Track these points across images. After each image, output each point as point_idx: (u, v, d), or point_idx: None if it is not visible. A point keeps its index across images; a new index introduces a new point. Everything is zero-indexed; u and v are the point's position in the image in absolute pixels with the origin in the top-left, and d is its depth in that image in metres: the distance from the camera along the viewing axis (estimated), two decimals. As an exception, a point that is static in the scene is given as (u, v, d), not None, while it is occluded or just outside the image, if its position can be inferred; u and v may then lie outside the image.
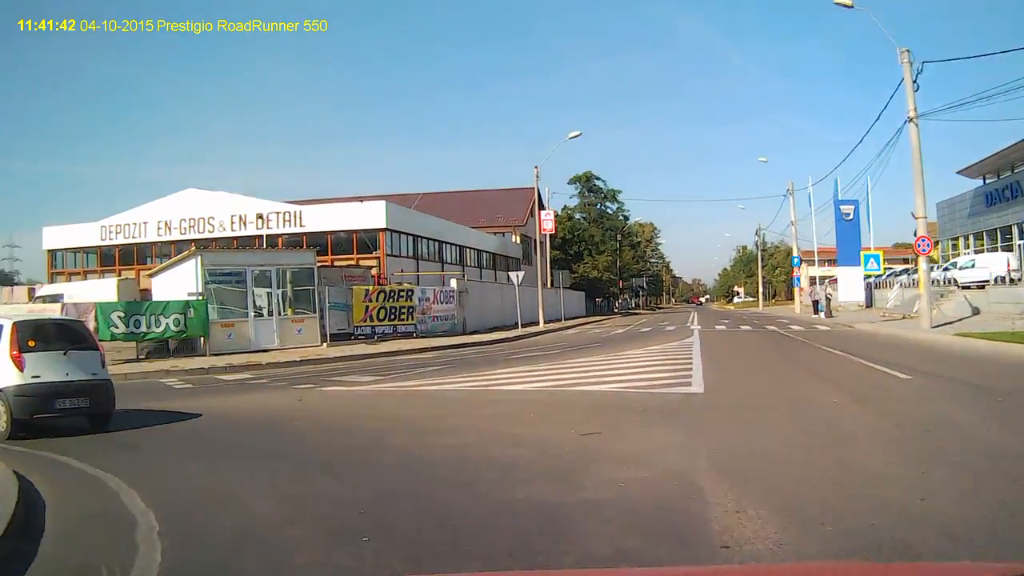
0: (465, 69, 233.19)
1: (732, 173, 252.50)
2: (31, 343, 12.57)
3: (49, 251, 55.27)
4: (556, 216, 68.67)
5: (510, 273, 49.43)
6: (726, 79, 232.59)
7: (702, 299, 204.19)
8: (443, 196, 76.22)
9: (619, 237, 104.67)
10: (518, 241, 74.18)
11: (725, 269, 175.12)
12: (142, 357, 29.74)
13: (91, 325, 26.79)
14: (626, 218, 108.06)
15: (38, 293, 41.97)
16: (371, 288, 37.34)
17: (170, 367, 26.15)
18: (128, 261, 52.40)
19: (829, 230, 61.49)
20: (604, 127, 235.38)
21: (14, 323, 12.77)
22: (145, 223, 51.57)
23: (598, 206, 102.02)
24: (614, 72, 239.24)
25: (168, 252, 47.63)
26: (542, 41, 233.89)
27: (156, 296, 36.29)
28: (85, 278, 50.20)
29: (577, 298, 78.69)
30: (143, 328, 29.20)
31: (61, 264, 55.40)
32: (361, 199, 50.12)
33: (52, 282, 51.35)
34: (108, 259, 53.32)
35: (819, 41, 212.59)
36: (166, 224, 50.88)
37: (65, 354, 12.86)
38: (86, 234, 53.56)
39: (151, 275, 40.49)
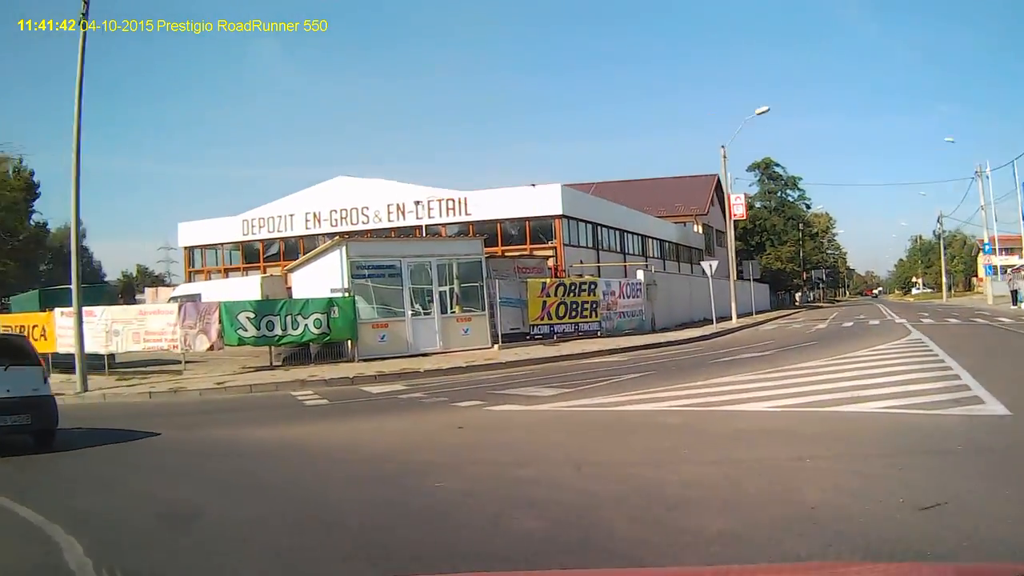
0: (636, 51, 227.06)
1: (906, 160, 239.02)
2: None
3: (186, 248, 54.56)
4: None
5: (703, 263, 46.16)
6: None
7: (875, 291, 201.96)
8: (618, 185, 73.23)
9: (800, 226, 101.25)
10: (700, 231, 71.70)
11: (901, 260, 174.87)
12: (277, 364, 27.33)
13: (215, 328, 25.06)
14: (807, 206, 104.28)
15: (173, 293, 41.23)
16: (548, 281, 34.49)
17: (307, 376, 23.49)
18: (274, 257, 50.95)
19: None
20: (780, 114, 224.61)
21: None
22: (292, 215, 50.07)
23: (778, 194, 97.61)
24: (787, 59, 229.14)
25: (317, 246, 45.78)
26: (710, 29, 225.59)
27: (297, 293, 34.51)
28: (226, 276, 49.56)
29: (762, 291, 75.22)
30: (277, 331, 26.56)
31: (200, 262, 54.49)
32: (534, 184, 47.13)
33: (190, 281, 50.67)
34: (252, 255, 52.19)
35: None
36: (315, 216, 49.09)
37: (5, 370, 12.79)
38: (227, 229, 52.47)
39: (289, 270, 38.90)
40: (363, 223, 47.02)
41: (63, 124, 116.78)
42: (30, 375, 13.28)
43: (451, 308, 30.26)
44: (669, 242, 64.10)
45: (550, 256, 42.08)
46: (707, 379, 18.40)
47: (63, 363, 25.25)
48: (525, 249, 43.35)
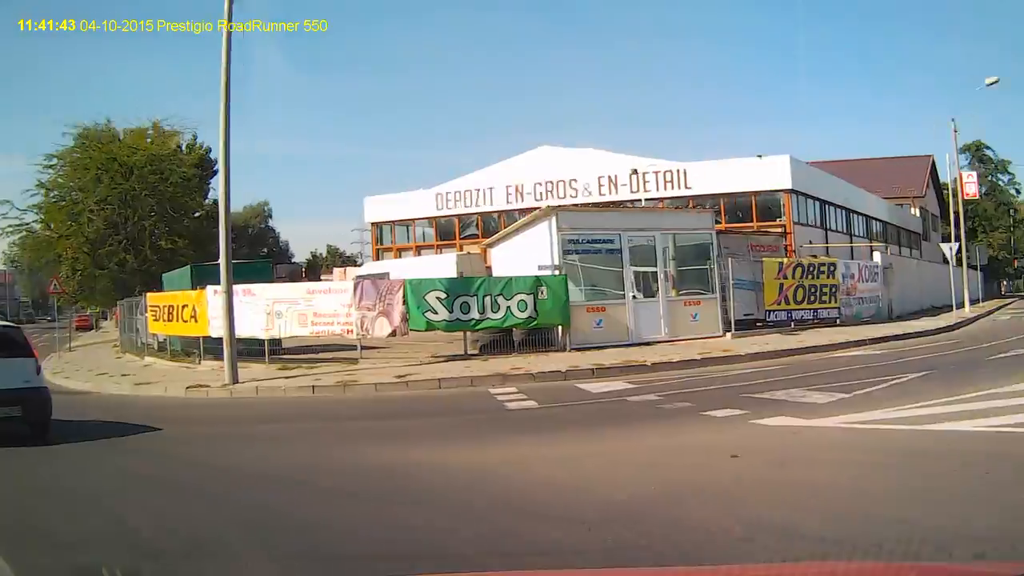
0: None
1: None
2: None
3: (374, 224, 53.87)
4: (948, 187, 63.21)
5: (944, 245, 42.45)
6: None
7: None
8: (828, 165, 70.84)
9: (1012, 212, 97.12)
10: (916, 214, 68.62)
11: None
12: (473, 353, 23.91)
13: (399, 310, 22.21)
14: (1017, 191, 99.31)
15: (359, 272, 39.85)
16: (786, 261, 30.93)
17: (509, 369, 20.03)
18: (471, 234, 49.20)
19: None
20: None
21: None
22: (491, 188, 48.24)
23: (989, 177, 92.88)
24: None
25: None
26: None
27: (497, 271, 31.91)
28: (418, 254, 48.99)
29: (976, 279, 71.51)
30: (474, 314, 23.15)
31: (389, 239, 53.50)
32: (760, 155, 43.80)
33: (378, 259, 50.19)
34: (446, 232, 50.76)
35: None
36: (517, 188, 47.15)
37: None
38: (419, 203, 51.15)
39: (487, 244, 36.72)
40: (571, 196, 44.86)
41: (249, 102, 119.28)
42: (22, 367, 13.45)
43: (674, 290, 27.07)
44: (891, 224, 61.75)
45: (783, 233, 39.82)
46: (1009, 384, 14.48)
47: (218, 348, 22.27)
48: (750, 227, 40.89)
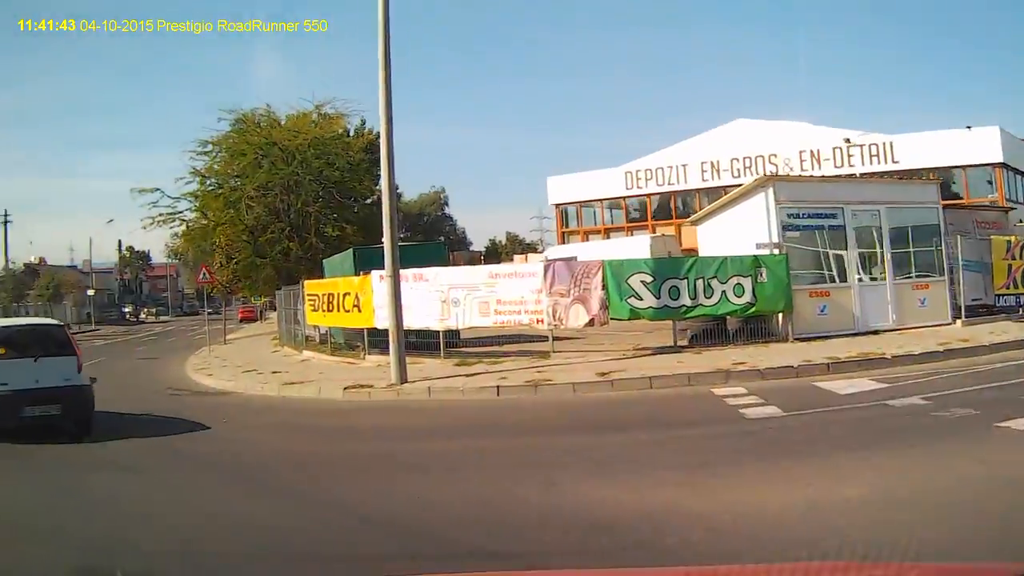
0: None
1: None
2: (1, 350, 13.76)
3: (558, 206, 54.09)
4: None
5: None
6: None
7: None
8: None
9: None
10: None
11: None
12: (682, 344, 21.23)
13: (597, 295, 19.95)
14: None
15: (544, 256, 38.57)
16: (1014, 239, 27.99)
17: (730, 364, 17.33)
18: (664, 215, 49.22)
19: None
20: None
21: None
22: (684, 165, 47.73)
23: None
24: None
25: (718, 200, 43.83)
26: None
27: (704, 251, 29.93)
28: (607, 236, 48.16)
29: None
30: (684, 300, 20.59)
31: (575, 221, 53.67)
32: (969, 126, 42.97)
33: (564, 243, 49.61)
34: (636, 213, 51.04)
35: None
36: (712, 165, 46.82)
37: (35, 361, 13.74)
38: (606, 183, 50.93)
39: (693, 221, 34.24)
40: (770, 172, 43.18)
41: (429, 91, 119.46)
42: (63, 365, 14.00)
43: (883, 271, 24.45)
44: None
45: (1012, 208, 36.75)
46: None
47: (385, 341, 19.92)
48: (961, 203, 38.52)
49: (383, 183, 18.42)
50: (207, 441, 13.56)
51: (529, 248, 77.13)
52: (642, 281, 20.50)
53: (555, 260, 23.03)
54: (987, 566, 4.04)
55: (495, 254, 75.11)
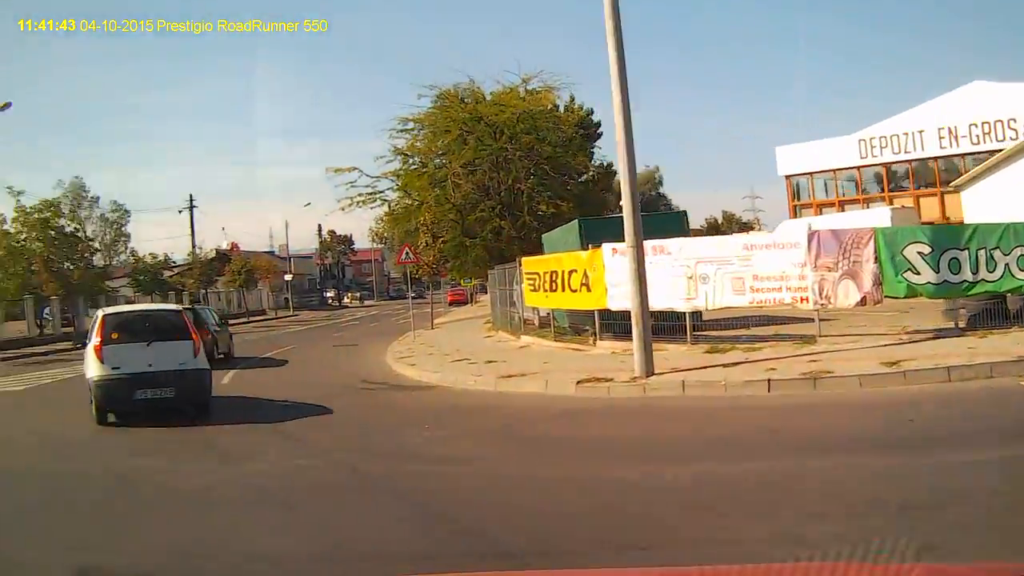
0: None
1: None
2: (114, 335, 14.58)
3: (788, 177, 51.90)
4: None
5: None
6: None
7: None
8: None
9: None
10: None
11: None
12: (961, 327, 18.16)
13: (870, 269, 17.30)
14: None
15: (776, 231, 35.67)
16: None
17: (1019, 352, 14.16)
18: (900, 186, 47.39)
19: None
20: None
21: (103, 316, 15.31)
22: (921, 132, 45.19)
23: None
24: None
25: (955, 169, 43.13)
26: None
27: (970, 219, 28.31)
28: (842, 209, 45.80)
29: None
30: (964, 274, 17.61)
31: (806, 194, 51.55)
32: None
33: (795, 217, 47.31)
34: (872, 183, 49.02)
35: None
36: (950, 131, 44.04)
37: (148, 345, 14.41)
38: (839, 152, 48.74)
39: (956, 185, 33.31)
40: (1011, 139, 40.85)
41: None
42: (179, 350, 14.62)
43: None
44: None
45: None
46: None
47: (617, 325, 17.67)
48: None
49: (617, 136, 15.70)
50: (396, 460, 10.57)
51: (746, 227, 74.70)
52: (919, 252, 17.74)
53: (819, 229, 20.43)
54: (987, 566, 3.97)
55: (716, 233, 72.86)
